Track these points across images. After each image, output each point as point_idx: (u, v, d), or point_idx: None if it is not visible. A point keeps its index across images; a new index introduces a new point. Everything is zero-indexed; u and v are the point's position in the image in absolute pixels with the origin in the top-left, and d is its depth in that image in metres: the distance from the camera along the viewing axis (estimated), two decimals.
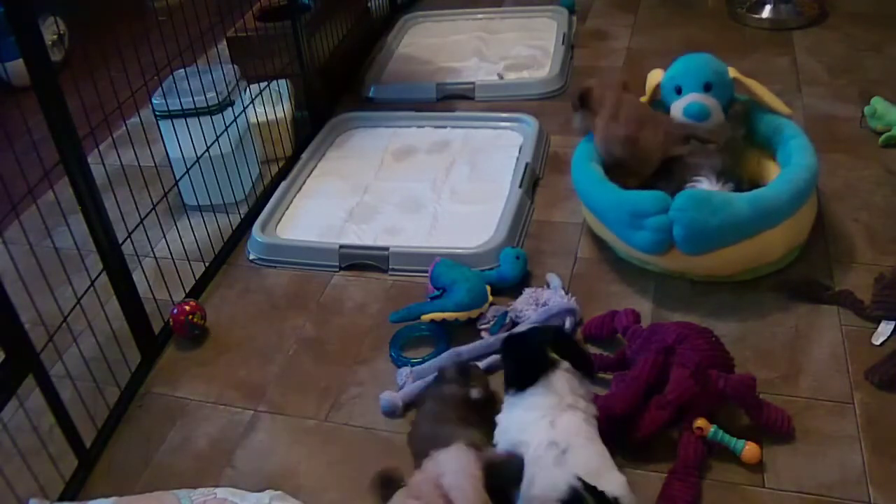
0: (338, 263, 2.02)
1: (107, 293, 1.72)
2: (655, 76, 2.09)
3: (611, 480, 1.22)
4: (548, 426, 1.29)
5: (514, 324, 1.76)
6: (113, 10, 1.91)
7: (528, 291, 1.81)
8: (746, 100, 2.02)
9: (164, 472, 1.55)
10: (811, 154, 1.84)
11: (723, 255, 1.74)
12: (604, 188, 1.87)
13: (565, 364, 1.37)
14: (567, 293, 1.81)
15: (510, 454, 1.29)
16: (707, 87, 1.96)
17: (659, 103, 2.06)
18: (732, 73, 1.99)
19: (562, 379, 1.35)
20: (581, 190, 1.95)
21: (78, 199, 1.60)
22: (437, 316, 1.73)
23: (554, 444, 1.26)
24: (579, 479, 1.18)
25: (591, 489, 1.17)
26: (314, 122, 2.60)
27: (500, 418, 1.38)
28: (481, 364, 1.66)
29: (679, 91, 1.99)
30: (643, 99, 2.08)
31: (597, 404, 1.39)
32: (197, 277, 2.02)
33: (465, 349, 1.70)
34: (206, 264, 2.07)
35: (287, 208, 2.26)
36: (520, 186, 2.14)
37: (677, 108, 1.98)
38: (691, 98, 1.96)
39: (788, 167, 1.83)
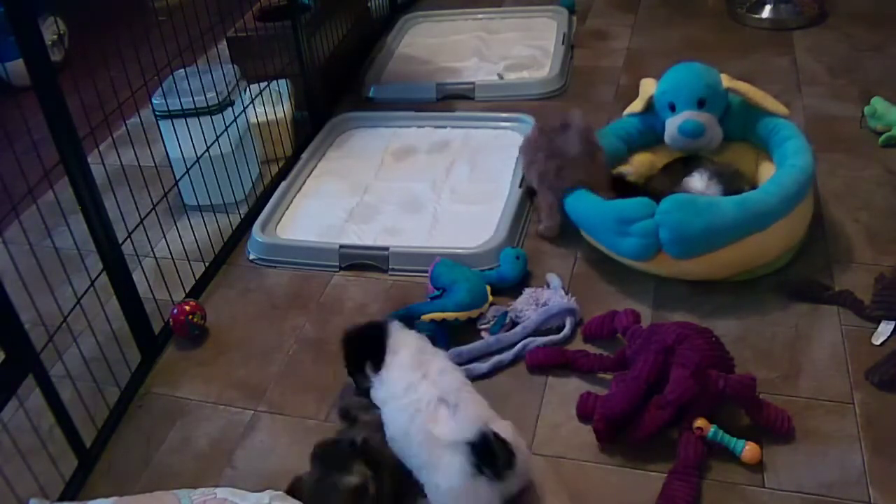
0: (338, 263, 2.02)
1: (107, 293, 1.72)
2: (648, 86, 2.08)
3: (500, 428, 1.29)
4: (430, 386, 1.36)
5: (514, 324, 1.76)
6: (113, 10, 1.90)
7: (528, 291, 1.81)
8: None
9: (164, 472, 1.55)
10: (807, 155, 1.84)
11: (713, 258, 1.74)
12: (588, 200, 1.88)
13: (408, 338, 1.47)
14: (567, 293, 1.81)
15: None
16: (701, 103, 1.96)
17: (655, 117, 2.06)
18: (726, 81, 1.98)
19: (409, 341, 1.45)
20: (568, 206, 1.95)
21: (78, 199, 1.60)
22: (438, 316, 1.73)
23: (443, 401, 1.33)
24: (485, 426, 1.26)
25: (495, 434, 1.25)
26: (314, 122, 2.60)
27: (384, 416, 1.41)
28: (485, 365, 1.67)
29: (673, 108, 1.99)
30: (637, 108, 2.08)
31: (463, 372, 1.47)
32: (197, 277, 2.02)
33: (466, 349, 1.70)
34: (206, 264, 2.07)
35: (287, 208, 2.26)
36: (520, 186, 2.15)
37: (672, 125, 2.00)
38: (686, 116, 1.97)
39: (781, 169, 1.83)
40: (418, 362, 1.41)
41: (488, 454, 1.24)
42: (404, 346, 1.45)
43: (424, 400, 1.34)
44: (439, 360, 1.44)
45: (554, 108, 2.60)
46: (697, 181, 1.88)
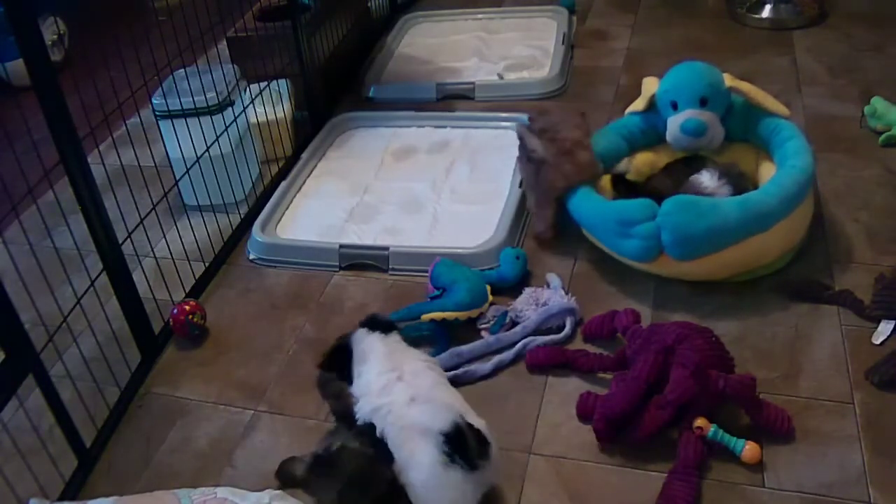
0: (338, 263, 2.02)
1: (107, 293, 1.72)
2: (651, 85, 2.08)
3: (474, 421, 1.31)
4: (404, 387, 1.37)
5: (514, 323, 1.76)
6: (113, 10, 1.90)
7: (528, 291, 1.81)
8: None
9: (164, 472, 1.55)
10: (807, 156, 1.84)
11: (714, 260, 1.74)
12: (590, 200, 1.88)
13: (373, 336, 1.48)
14: (567, 293, 1.81)
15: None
16: (703, 102, 1.96)
17: (657, 115, 2.06)
18: (728, 80, 1.98)
19: (376, 346, 1.46)
20: (570, 206, 1.95)
21: (78, 199, 1.60)
22: (438, 316, 1.73)
23: (415, 401, 1.35)
24: (460, 416, 1.28)
25: (469, 425, 1.27)
26: (314, 122, 2.60)
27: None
28: (487, 366, 1.67)
29: (675, 106, 1.99)
30: (639, 106, 2.08)
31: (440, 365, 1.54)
32: (197, 277, 2.02)
33: (466, 349, 1.70)
34: (206, 264, 2.07)
35: (287, 208, 2.26)
36: (520, 186, 2.15)
37: (674, 123, 2.00)
38: (688, 115, 1.97)
39: (782, 170, 1.83)
40: (391, 364, 1.41)
41: (461, 443, 1.24)
42: (371, 351, 1.45)
43: (398, 402, 1.35)
44: (413, 361, 1.44)
45: (554, 108, 2.60)
46: (707, 180, 1.87)
